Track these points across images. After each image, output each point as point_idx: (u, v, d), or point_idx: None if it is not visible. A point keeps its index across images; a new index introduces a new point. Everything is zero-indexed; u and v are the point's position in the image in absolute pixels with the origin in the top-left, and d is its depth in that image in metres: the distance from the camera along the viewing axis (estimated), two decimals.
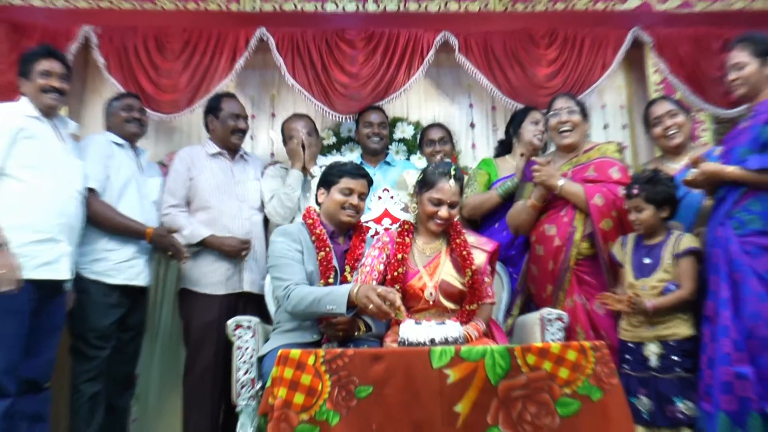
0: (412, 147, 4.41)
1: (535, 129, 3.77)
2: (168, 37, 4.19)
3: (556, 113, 3.43)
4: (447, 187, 2.93)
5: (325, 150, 4.36)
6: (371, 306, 2.53)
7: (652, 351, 2.98)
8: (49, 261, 3.01)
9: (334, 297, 2.64)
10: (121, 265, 3.41)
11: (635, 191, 3.09)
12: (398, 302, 2.52)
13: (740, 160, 2.92)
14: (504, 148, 4.02)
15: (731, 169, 2.91)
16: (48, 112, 3.19)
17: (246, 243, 3.59)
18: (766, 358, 2.73)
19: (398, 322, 2.67)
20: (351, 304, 2.62)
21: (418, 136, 4.30)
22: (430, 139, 4.06)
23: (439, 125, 4.18)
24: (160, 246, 3.45)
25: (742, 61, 3.04)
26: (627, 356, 3.04)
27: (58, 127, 3.25)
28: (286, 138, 3.95)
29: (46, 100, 3.16)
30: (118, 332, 3.44)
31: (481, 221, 3.78)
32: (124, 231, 3.37)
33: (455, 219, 3.09)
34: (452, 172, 2.94)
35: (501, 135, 4.38)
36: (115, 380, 3.48)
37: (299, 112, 4.12)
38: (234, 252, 3.58)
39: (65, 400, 3.46)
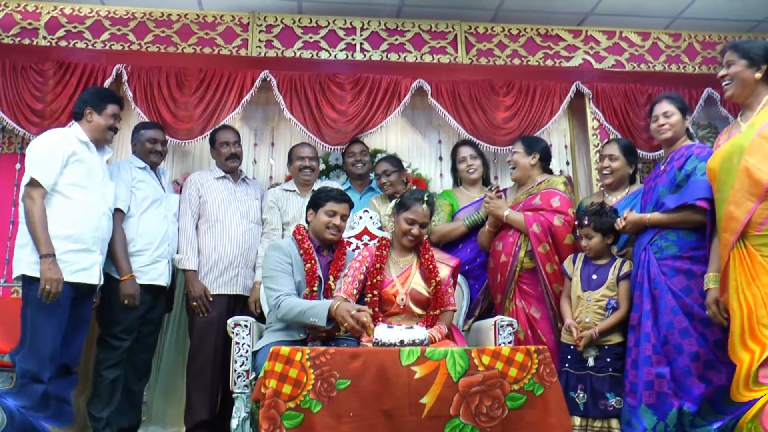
0: None
1: (462, 167, 3.76)
2: (186, 76, 4.14)
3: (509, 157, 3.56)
4: (420, 209, 2.99)
5: None
6: (346, 324, 2.56)
7: (591, 353, 3.00)
8: (85, 267, 3.00)
9: (317, 311, 2.65)
10: (145, 268, 3.37)
11: (585, 222, 3.11)
12: (369, 323, 2.51)
13: (659, 199, 3.01)
14: (456, 180, 3.95)
15: (650, 216, 3.00)
16: (102, 144, 3.26)
17: (206, 300, 3.53)
18: (679, 361, 2.78)
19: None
20: (330, 317, 2.62)
21: None
22: (377, 173, 3.94)
23: (385, 159, 4.03)
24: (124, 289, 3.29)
25: (671, 111, 3.11)
26: (568, 357, 3.05)
27: (99, 153, 3.26)
28: (293, 159, 3.90)
29: (108, 137, 3.29)
30: (139, 326, 3.39)
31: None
32: (114, 261, 3.28)
33: (425, 237, 3.10)
34: (425, 198, 3.01)
35: None
36: (134, 367, 3.44)
37: (306, 142, 4.06)
38: (192, 296, 3.53)
39: (88, 383, 3.42)
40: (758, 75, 2.65)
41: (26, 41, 4.17)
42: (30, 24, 4.21)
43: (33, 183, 2.93)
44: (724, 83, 2.75)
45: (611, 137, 3.97)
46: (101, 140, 3.23)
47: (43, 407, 2.86)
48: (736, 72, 2.68)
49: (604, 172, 3.46)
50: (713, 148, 2.85)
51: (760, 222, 2.47)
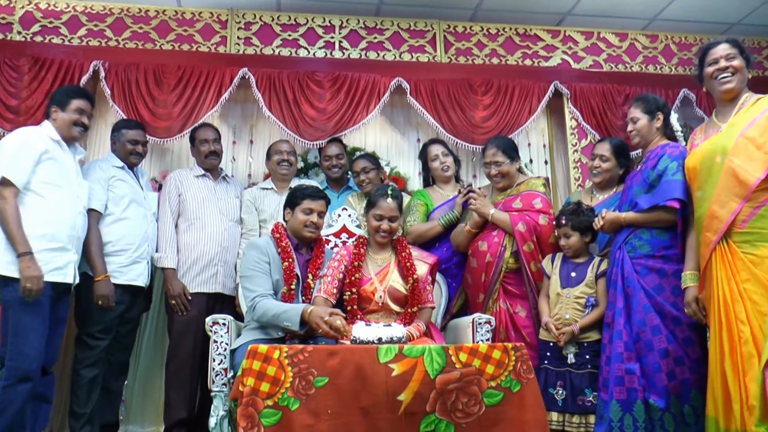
0: None
1: (435, 165, 3.73)
2: (165, 73, 4.12)
3: (487, 165, 3.49)
4: (386, 204, 3.02)
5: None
6: (320, 330, 2.57)
7: (571, 350, 3.05)
8: (60, 266, 2.97)
9: (290, 315, 2.66)
10: (124, 268, 3.35)
11: (563, 221, 3.16)
12: (343, 327, 2.53)
13: (633, 198, 3.06)
14: (426, 180, 3.93)
15: (625, 215, 3.04)
16: (70, 141, 3.20)
17: (185, 298, 3.53)
18: (650, 358, 2.83)
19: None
20: (304, 321, 2.64)
21: None
22: (355, 171, 3.94)
23: (363, 156, 4.03)
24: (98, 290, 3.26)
25: (636, 116, 3.16)
26: (548, 353, 3.10)
27: (71, 151, 3.22)
28: (271, 154, 3.91)
29: (74, 133, 3.18)
30: (117, 325, 3.37)
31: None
32: (90, 262, 3.25)
33: (399, 234, 3.11)
34: (389, 193, 3.04)
35: None
36: (112, 366, 3.42)
37: (284, 139, 4.07)
38: (170, 295, 3.53)
39: (66, 383, 3.40)
40: (750, 75, 2.75)
41: None
42: (3, 18, 4.15)
43: (4, 182, 2.88)
44: (723, 75, 2.72)
45: (606, 137, 3.94)
46: (68, 137, 3.16)
47: (23, 410, 2.82)
48: (741, 67, 2.72)
49: (594, 171, 3.49)
50: (688, 147, 2.90)
51: (743, 220, 2.53)
